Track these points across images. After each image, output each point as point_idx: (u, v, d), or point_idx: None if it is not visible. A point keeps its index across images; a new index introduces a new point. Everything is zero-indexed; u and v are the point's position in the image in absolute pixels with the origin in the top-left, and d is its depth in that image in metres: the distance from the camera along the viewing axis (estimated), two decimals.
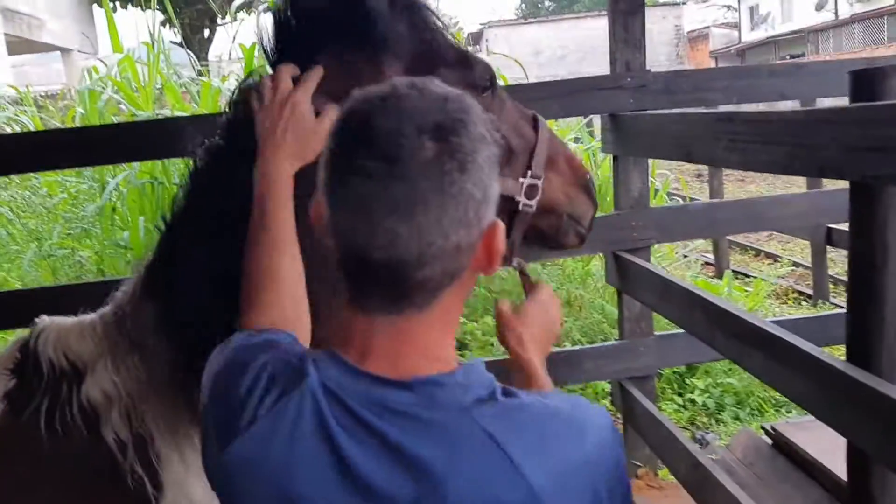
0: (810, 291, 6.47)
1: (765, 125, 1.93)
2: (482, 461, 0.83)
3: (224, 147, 1.44)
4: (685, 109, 3.20)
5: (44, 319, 1.47)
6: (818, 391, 1.76)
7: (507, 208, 1.51)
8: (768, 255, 8.43)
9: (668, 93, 3.20)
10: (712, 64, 34.31)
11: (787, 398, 1.96)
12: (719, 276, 6.61)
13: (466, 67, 1.47)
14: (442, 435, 0.85)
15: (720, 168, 7.27)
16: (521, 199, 1.54)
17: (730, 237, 8.05)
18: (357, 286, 0.90)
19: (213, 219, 1.38)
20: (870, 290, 1.63)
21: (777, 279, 6.98)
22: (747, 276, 7.01)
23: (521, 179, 1.54)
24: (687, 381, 4.39)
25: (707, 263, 7.62)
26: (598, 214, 4.56)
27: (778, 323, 3.53)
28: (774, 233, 8.45)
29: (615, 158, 3.32)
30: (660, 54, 33.33)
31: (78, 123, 5.94)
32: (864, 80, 1.59)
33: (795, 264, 7.75)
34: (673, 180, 8.17)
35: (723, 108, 3.06)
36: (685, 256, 6.53)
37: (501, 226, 0.90)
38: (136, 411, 1.37)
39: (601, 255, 4.36)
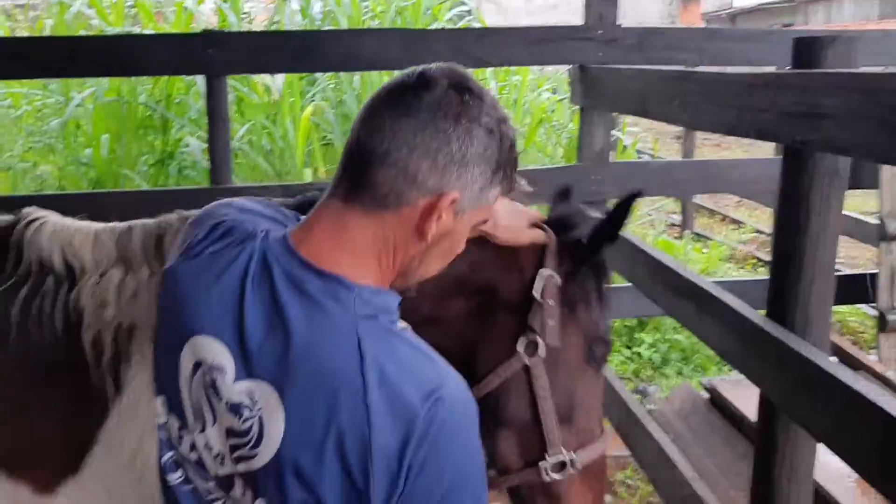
0: (769, 258, 6.60)
1: (714, 86, 1.96)
2: (339, 348, 0.92)
3: None
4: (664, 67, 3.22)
5: (35, 210, 1.44)
6: (738, 343, 1.85)
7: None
8: (734, 221, 8.55)
9: (639, 49, 3.21)
10: (703, 26, 34.01)
11: (712, 349, 2.05)
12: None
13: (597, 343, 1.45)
14: (322, 317, 0.94)
15: (694, 131, 7.31)
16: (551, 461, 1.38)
17: (698, 201, 8.16)
18: (338, 171, 1.01)
19: None
20: (791, 251, 1.70)
21: (739, 244, 7.11)
22: (710, 239, 7.13)
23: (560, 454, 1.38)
24: (636, 335, 4.51)
25: (673, 225, 7.73)
26: (560, 165, 4.59)
27: (726, 283, 3.64)
28: (744, 200, 8.56)
29: (582, 110, 3.34)
30: (652, 13, 32.95)
31: (49, 31, 5.81)
32: (804, 48, 1.63)
33: (759, 231, 7.88)
34: (647, 139, 8.21)
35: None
36: (649, 215, 6.61)
37: (451, 199, 0.96)
38: (128, 330, 1.35)
39: None
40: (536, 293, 1.36)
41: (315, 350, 0.92)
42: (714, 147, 15.20)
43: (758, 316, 1.79)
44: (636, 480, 3.25)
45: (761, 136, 1.74)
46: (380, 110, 0.97)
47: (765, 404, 1.82)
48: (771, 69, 3.08)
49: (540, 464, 1.37)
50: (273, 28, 5.80)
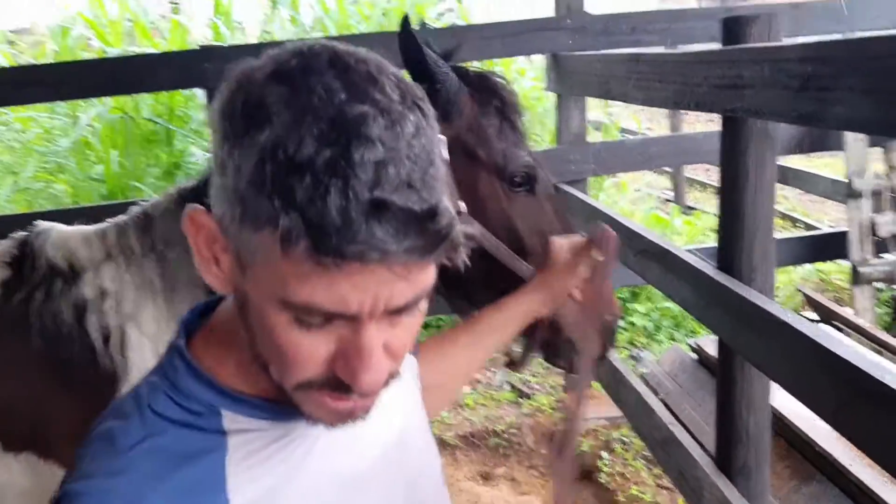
0: None
1: (661, 65, 2.19)
2: None
3: None
4: (626, 50, 3.44)
5: (43, 224, 1.67)
6: (695, 294, 2.07)
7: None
8: None
9: (606, 34, 3.43)
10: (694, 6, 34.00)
11: (677, 303, 2.27)
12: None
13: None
14: None
15: (678, 110, 7.52)
16: None
17: (691, 175, 8.38)
18: None
19: None
20: (733, 208, 1.93)
21: None
22: (703, 211, 7.34)
23: None
24: (629, 305, 4.73)
25: (667, 200, 7.93)
26: (542, 148, 4.80)
27: (707, 250, 3.85)
28: None
29: (558, 96, 3.56)
30: None
31: (50, 59, 6.06)
32: (731, 26, 1.85)
33: None
34: (643, 119, 8.41)
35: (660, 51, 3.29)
36: (637, 190, 6.84)
37: (198, 214, 0.69)
38: (127, 310, 1.55)
39: None
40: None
41: None
42: (709, 122, 15.39)
43: (710, 268, 2.02)
44: (630, 438, 3.48)
45: (699, 107, 1.97)
46: None
47: (722, 345, 2.04)
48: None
49: None
50: (266, 38, 6.03)
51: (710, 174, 9.16)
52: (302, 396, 0.70)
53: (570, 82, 3.34)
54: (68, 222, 1.72)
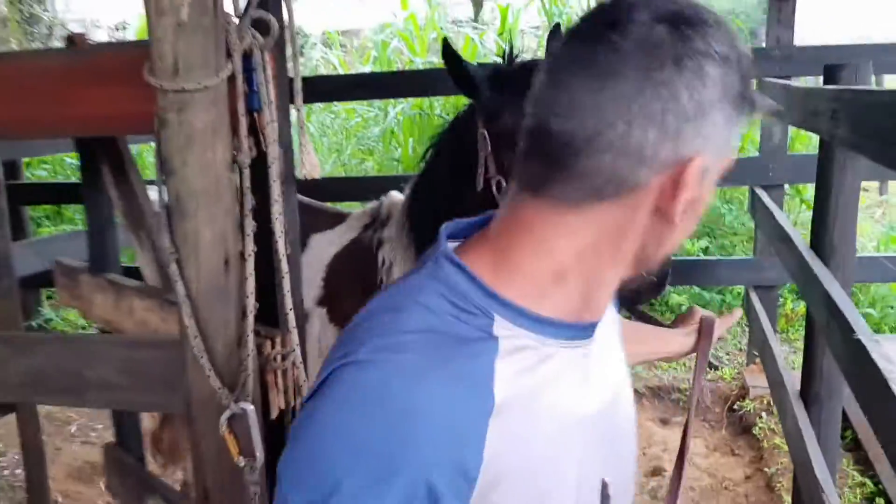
0: None
1: (792, 94, 2.89)
2: None
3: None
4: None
5: (393, 193, 2.49)
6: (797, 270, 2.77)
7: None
8: None
9: (810, 63, 4.04)
10: None
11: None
12: None
13: None
14: None
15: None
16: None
17: None
18: (520, 166, 0.79)
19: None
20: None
21: None
22: None
23: None
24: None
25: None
26: (745, 156, 5.44)
27: None
28: None
29: None
30: None
31: (371, 64, 7.76)
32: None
33: None
34: None
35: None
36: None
37: (696, 166, 0.71)
38: (398, 251, 2.46)
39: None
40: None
41: None
42: None
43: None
44: None
45: (806, 128, 2.66)
46: (567, 79, 0.72)
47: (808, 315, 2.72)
48: None
49: None
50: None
51: None
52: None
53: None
54: (371, 188, 2.81)
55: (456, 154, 2.10)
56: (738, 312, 1.53)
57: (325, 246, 2.48)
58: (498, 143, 1.89)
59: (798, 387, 2.88)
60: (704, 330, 1.41)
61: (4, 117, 1.70)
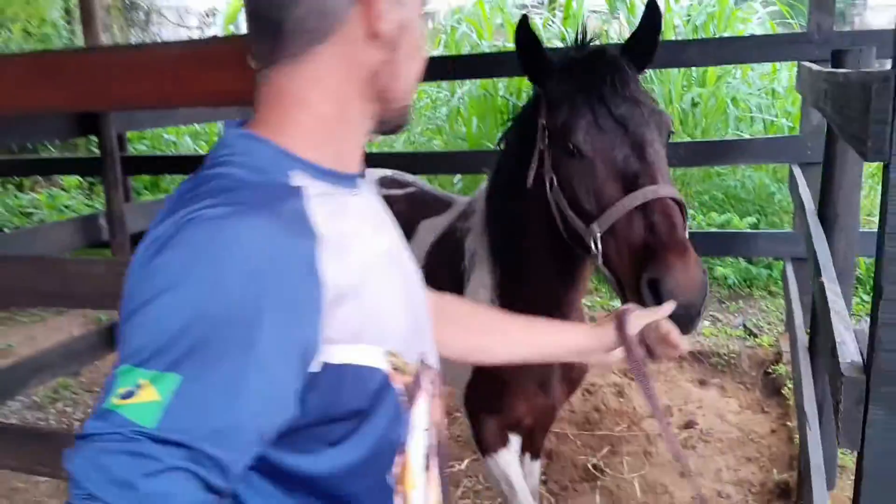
0: None
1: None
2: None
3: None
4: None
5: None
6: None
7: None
8: None
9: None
10: None
11: None
12: None
13: None
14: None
15: None
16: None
17: None
18: (254, 46, 0.90)
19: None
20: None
21: None
22: None
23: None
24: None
25: None
26: (787, 135, 5.70)
27: None
28: None
29: (802, 96, 4.45)
30: None
31: (443, 47, 8.17)
32: None
33: None
34: None
35: None
36: None
37: None
38: (478, 242, 2.27)
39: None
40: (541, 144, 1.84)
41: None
42: None
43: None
44: None
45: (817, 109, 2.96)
46: None
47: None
48: None
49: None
50: None
51: None
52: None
53: (802, 86, 4.24)
54: (440, 164, 3.18)
55: (521, 146, 2.00)
56: (669, 307, 1.44)
57: (429, 232, 2.56)
58: (553, 138, 1.77)
59: (808, 343, 3.19)
60: (620, 321, 1.38)
61: (137, 92, 2.20)
